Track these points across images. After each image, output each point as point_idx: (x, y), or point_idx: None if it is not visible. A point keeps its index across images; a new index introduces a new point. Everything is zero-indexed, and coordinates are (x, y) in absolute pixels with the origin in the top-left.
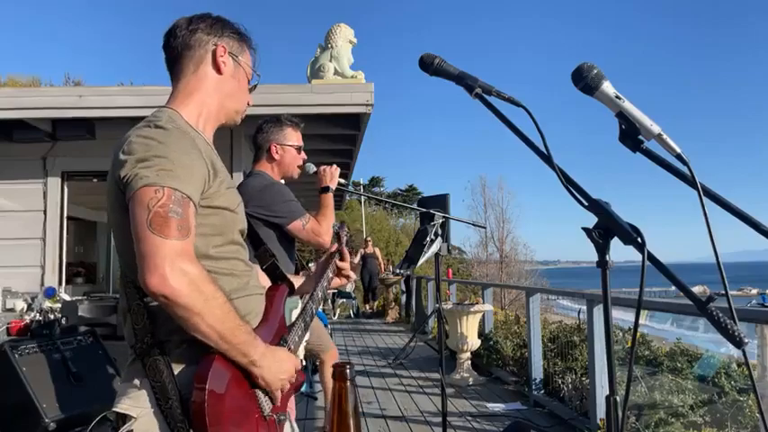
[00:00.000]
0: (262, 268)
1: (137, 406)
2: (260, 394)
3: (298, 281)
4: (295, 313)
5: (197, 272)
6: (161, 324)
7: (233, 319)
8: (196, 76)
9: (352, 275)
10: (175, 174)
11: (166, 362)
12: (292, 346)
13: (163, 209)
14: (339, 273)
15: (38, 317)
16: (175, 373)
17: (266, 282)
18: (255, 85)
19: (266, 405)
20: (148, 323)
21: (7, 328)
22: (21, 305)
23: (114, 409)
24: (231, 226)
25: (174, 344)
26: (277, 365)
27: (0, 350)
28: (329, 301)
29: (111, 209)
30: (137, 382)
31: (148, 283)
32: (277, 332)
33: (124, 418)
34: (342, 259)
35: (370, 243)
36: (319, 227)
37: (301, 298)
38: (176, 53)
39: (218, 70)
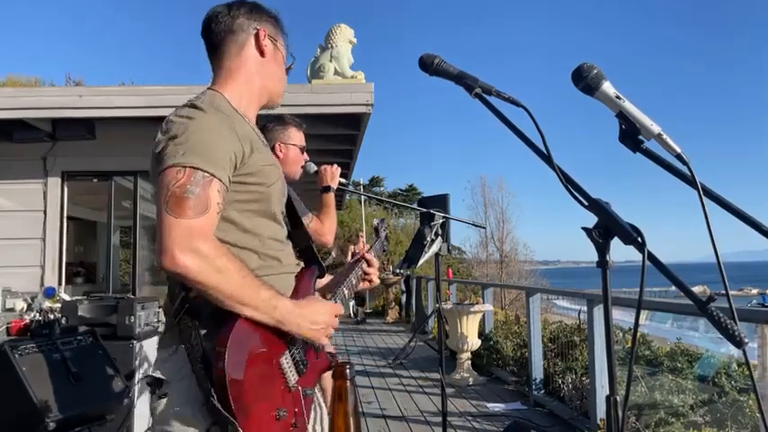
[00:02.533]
0: (296, 250)
1: (171, 370)
2: (284, 365)
3: (323, 281)
4: None
5: (207, 248)
6: (192, 290)
7: (251, 284)
8: (240, 58)
9: (376, 281)
10: (201, 152)
11: (195, 325)
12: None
13: (180, 189)
14: (364, 276)
15: (38, 317)
16: (203, 337)
17: (297, 262)
18: (291, 66)
19: (291, 377)
20: (180, 289)
21: (7, 328)
22: (21, 305)
23: (151, 374)
24: (267, 200)
25: (202, 308)
26: (308, 317)
27: (0, 350)
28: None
29: (152, 175)
30: (172, 348)
31: (162, 261)
32: None
33: (160, 382)
34: (369, 264)
35: (361, 239)
36: (322, 226)
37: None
38: (219, 37)
39: (262, 53)
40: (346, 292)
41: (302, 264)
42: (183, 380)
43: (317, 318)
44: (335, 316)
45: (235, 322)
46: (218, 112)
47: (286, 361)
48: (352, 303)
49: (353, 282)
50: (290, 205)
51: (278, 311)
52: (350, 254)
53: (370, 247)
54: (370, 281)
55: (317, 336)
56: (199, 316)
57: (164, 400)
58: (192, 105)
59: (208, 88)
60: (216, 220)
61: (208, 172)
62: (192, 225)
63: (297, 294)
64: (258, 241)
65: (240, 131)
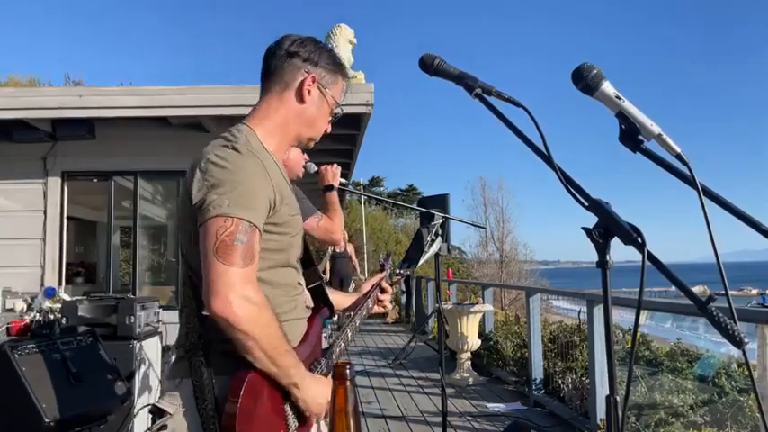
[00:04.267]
0: (307, 287)
1: (173, 404)
2: (288, 411)
3: (339, 298)
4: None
5: (258, 299)
6: (209, 328)
7: (283, 345)
8: (280, 99)
9: (389, 306)
10: (245, 203)
11: (207, 365)
12: (325, 369)
13: (229, 237)
14: (378, 302)
15: (38, 317)
16: (214, 377)
17: (309, 302)
18: (337, 116)
19: (293, 423)
20: (198, 324)
21: (7, 328)
22: (21, 305)
23: (155, 404)
24: (290, 250)
25: (217, 350)
26: (317, 391)
27: (0, 350)
28: None
29: (183, 213)
30: (177, 380)
31: (213, 306)
32: (311, 353)
33: (162, 413)
34: (383, 291)
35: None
36: (332, 224)
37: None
38: (270, 70)
39: (302, 100)
40: (358, 322)
41: (311, 305)
42: (186, 414)
43: (324, 393)
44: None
45: (248, 372)
46: (253, 156)
47: (288, 408)
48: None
49: (370, 306)
50: (305, 247)
51: (296, 378)
52: (366, 283)
53: (383, 276)
54: (384, 306)
55: (319, 410)
56: (213, 355)
57: None
58: (232, 148)
59: (243, 122)
60: (257, 269)
61: (252, 222)
62: (243, 273)
63: (307, 338)
64: (272, 289)
65: (273, 178)
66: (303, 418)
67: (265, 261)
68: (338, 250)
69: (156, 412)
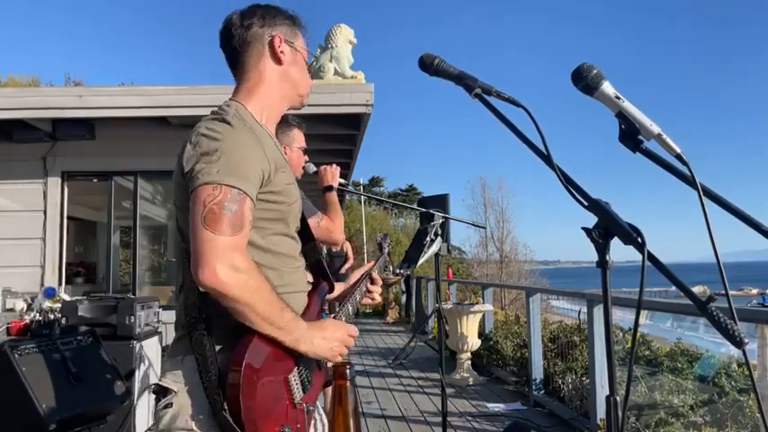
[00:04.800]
0: (307, 263)
1: (178, 381)
2: (292, 382)
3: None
4: None
5: (245, 265)
6: (209, 303)
7: (278, 304)
8: (258, 69)
9: (378, 298)
10: (235, 171)
11: (209, 338)
12: None
13: (217, 206)
14: (367, 293)
15: (38, 317)
16: (216, 349)
17: (309, 277)
18: (312, 64)
19: (297, 393)
20: (197, 299)
21: (7, 328)
22: (21, 305)
23: (158, 383)
24: (287, 218)
25: (218, 323)
26: (324, 337)
27: (0, 350)
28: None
29: (177, 191)
30: (180, 357)
31: (200, 276)
32: None
33: (166, 392)
34: (372, 282)
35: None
36: (333, 224)
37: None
38: (236, 51)
39: (279, 61)
40: (350, 308)
41: (311, 280)
42: (190, 390)
43: (331, 336)
44: (350, 335)
45: (251, 339)
46: (245, 127)
47: (294, 378)
48: None
49: (358, 298)
50: (303, 220)
51: (297, 332)
52: (355, 272)
53: (374, 264)
54: (373, 298)
55: (332, 354)
56: (214, 328)
57: (169, 410)
58: (221, 120)
59: (231, 99)
60: (248, 237)
61: (242, 189)
62: (231, 241)
63: (308, 311)
64: (277, 259)
65: (267, 148)
66: (307, 388)
67: (264, 230)
68: (334, 249)
69: (160, 391)
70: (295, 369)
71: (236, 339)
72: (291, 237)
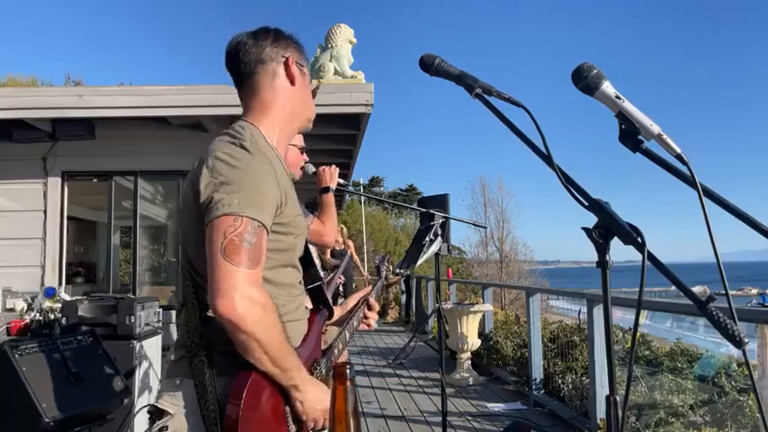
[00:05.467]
0: (306, 288)
1: (174, 404)
2: (288, 414)
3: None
4: None
5: (263, 300)
6: (211, 329)
7: (286, 347)
8: (272, 89)
9: (373, 324)
10: (254, 202)
11: (210, 365)
12: (323, 370)
13: (238, 237)
14: (363, 320)
15: (38, 317)
16: (216, 378)
17: (309, 303)
18: (316, 90)
19: (292, 426)
20: (199, 324)
21: (7, 328)
22: (21, 305)
23: (154, 404)
24: (294, 250)
25: (220, 351)
26: (317, 396)
27: (0, 350)
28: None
29: (187, 210)
30: (178, 380)
31: (219, 307)
32: (312, 354)
33: (161, 414)
34: (369, 308)
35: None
36: (324, 226)
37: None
38: (249, 68)
39: (292, 81)
40: (348, 335)
41: (310, 306)
42: (186, 414)
43: (323, 399)
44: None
45: (251, 373)
46: (262, 154)
47: (288, 410)
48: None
49: (355, 324)
50: (305, 248)
51: (297, 379)
52: (353, 297)
53: (372, 289)
54: (369, 324)
55: (316, 416)
56: (214, 354)
57: None
58: (239, 146)
59: (243, 119)
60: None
61: (261, 222)
62: (250, 274)
63: (307, 339)
64: (279, 290)
65: (280, 179)
66: (301, 423)
67: (270, 261)
68: (337, 249)
69: (156, 413)
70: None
71: (237, 369)
72: (295, 266)
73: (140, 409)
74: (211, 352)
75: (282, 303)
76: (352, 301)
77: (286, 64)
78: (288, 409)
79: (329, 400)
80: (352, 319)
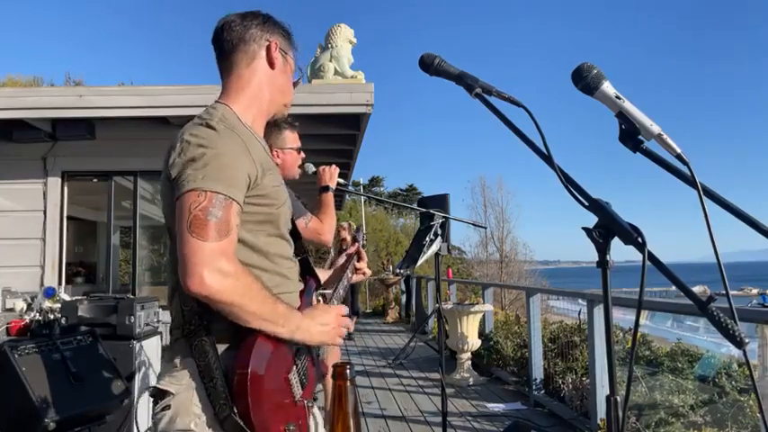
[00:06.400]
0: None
1: (176, 383)
2: (293, 380)
3: (323, 275)
4: None
5: (233, 269)
6: (207, 307)
7: (269, 300)
8: (249, 69)
9: (368, 272)
10: (220, 176)
11: (212, 342)
12: None
13: (202, 212)
14: (356, 271)
15: (37, 317)
16: (220, 354)
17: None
18: (299, 81)
19: (297, 391)
20: (196, 305)
21: (7, 328)
22: (20, 305)
23: (155, 385)
24: (277, 220)
25: (219, 326)
26: (318, 322)
27: (0, 350)
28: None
29: (165, 198)
30: (177, 361)
31: (188, 283)
32: None
33: (164, 394)
34: (359, 259)
35: (344, 231)
36: (322, 225)
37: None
38: (230, 46)
39: (272, 65)
40: (342, 291)
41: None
42: (188, 393)
43: (325, 321)
44: (341, 315)
45: (254, 341)
46: (231, 132)
47: (293, 377)
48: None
49: (349, 275)
50: (291, 220)
51: (293, 323)
52: (340, 257)
53: (355, 249)
54: (364, 273)
55: (331, 337)
56: (215, 330)
57: (167, 413)
58: (206, 125)
59: (217, 101)
60: (235, 242)
61: (227, 195)
62: (217, 247)
63: (300, 310)
64: (267, 260)
65: (254, 153)
66: (305, 385)
67: (255, 233)
68: (344, 246)
69: (157, 394)
70: (294, 368)
71: (239, 338)
72: (283, 238)
73: (142, 392)
74: (211, 329)
75: (275, 275)
76: (341, 259)
77: (268, 48)
78: (291, 376)
79: (332, 318)
80: (347, 272)
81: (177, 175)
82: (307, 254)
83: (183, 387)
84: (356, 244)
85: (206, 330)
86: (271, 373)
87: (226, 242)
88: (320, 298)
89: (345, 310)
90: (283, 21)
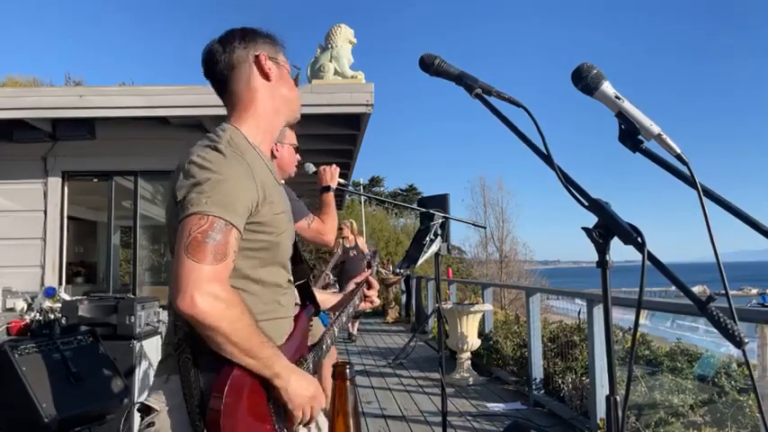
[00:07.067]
0: (294, 284)
1: (161, 401)
2: (272, 407)
3: (327, 297)
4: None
5: (225, 295)
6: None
7: (257, 337)
8: (248, 89)
9: (377, 301)
10: (223, 202)
11: (194, 362)
12: (311, 365)
13: (202, 235)
14: (365, 298)
15: (38, 317)
16: (200, 374)
17: (297, 299)
18: (297, 77)
19: (278, 418)
20: (185, 323)
21: (7, 328)
22: (21, 305)
23: (142, 401)
24: (276, 249)
25: (204, 348)
26: (300, 384)
27: (0, 350)
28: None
29: (169, 213)
30: (164, 377)
31: (178, 303)
32: (297, 350)
33: (149, 410)
34: (369, 287)
35: (347, 228)
36: (324, 225)
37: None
38: (223, 77)
39: (267, 77)
40: (344, 319)
41: (299, 302)
42: (173, 411)
43: (308, 386)
44: (318, 399)
45: (233, 368)
46: (238, 156)
47: (273, 408)
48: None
49: (357, 302)
50: (293, 243)
51: (276, 367)
52: (351, 282)
53: (368, 273)
54: (372, 301)
55: (302, 404)
56: (198, 351)
57: (151, 429)
58: (214, 148)
59: (226, 122)
60: (231, 267)
61: (228, 221)
62: (212, 270)
63: (293, 336)
64: (261, 287)
65: (257, 176)
66: (288, 419)
67: (252, 260)
68: (348, 245)
69: (144, 410)
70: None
71: (220, 364)
72: (281, 266)
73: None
74: (196, 349)
75: (267, 301)
76: (352, 285)
77: (257, 62)
78: (272, 406)
79: (315, 389)
80: (355, 299)
81: (182, 197)
82: (308, 278)
83: (168, 404)
84: (366, 271)
85: (191, 348)
86: (248, 401)
87: (221, 266)
88: (304, 363)
89: (323, 401)
90: (260, 26)
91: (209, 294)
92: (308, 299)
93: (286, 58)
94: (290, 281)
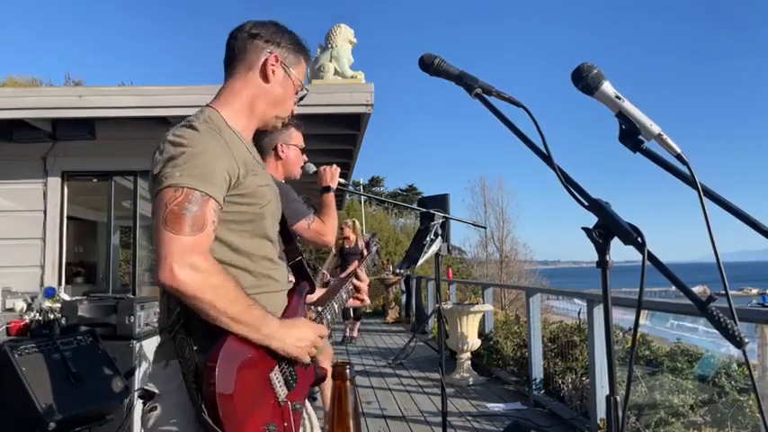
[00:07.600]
0: (288, 264)
1: (162, 384)
2: (275, 380)
3: (313, 296)
4: None
5: (205, 264)
6: (186, 305)
7: (244, 301)
8: (244, 79)
9: (366, 300)
10: (198, 173)
11: (189, 340)
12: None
13: (178, 207)
14: (356, 294)
15: (37, 317)
16: (196, 352)
17: (291, 277)
18: (302, 97)
19: (281, 391)
20: (176, 302)
21: (7, 328)
22: (20, 305)
23: (143, 387)
24: (260, 220)
25: (197, 325)
26: (295, 335)
27: (0, 350)
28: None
29: (151, 195)
30: (163, 363)
31: (159, 276)
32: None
33: (151, 395)
34: (359, 279)
35: (348, 228)
36: (324, 226)
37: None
38: (233, 54)
39: (266, 79)
40: (336, 307)
41: (293, 280)
42: (173, 393)
43: (302, 336)
44: (320, 336)
45: (225, 338)
46: (212, 131)
47: (275, 376)
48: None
49: (344, 297)
50: (282, 222)
51: (267, 329)
52: (341, 274)
53: (360, 263)
54: (361, 299)
55: (301, 353)
56: (193, 331)
57: (154, 413)
58: (188, 126)
59: (207, 105)
60: (212, 237)
61: (204, 191)
62: (190, 241)
63: (288, 312)
64: (250, 261)
65: (236, 152)
66: (292, 387)
67: (238, 233)
68: (347, 246)
69: (146, 395)
70: (277, 367)
71: (214, 339)
72: (267, 238)
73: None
74: (190, 328)
75: (258, 275)
76: (340, 277)
77: (266, 61)
78: (273, 375)
79: (310, 333)
80: (341, 292)
81: (157, 173)
82: (301, 257)
83: (168, 388)
84: (358, 262)
85: (185, 328)
86: (244, 371)
87: (200, 237)
88: (313, 314)
89: (326, 331)
90: (299, 35)
91: (188, 265)
92: (302, 278)
93: (303, 74)
94: (280, 257)
